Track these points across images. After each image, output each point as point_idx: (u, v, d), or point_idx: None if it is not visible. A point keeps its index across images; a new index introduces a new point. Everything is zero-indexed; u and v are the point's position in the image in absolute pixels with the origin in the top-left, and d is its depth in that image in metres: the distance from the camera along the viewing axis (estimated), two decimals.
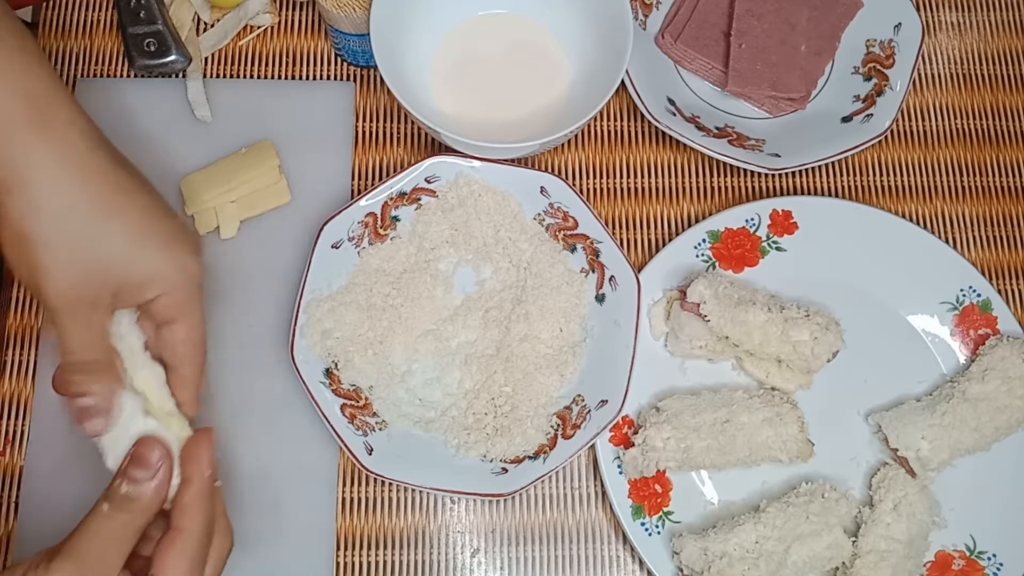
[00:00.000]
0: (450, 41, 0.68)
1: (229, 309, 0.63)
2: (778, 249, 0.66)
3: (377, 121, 0.69)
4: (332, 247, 0.61)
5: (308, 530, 0.59)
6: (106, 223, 0.45)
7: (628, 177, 0.70)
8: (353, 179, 0.67)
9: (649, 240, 0.68)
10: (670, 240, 0.65)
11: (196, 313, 0.49)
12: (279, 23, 0.71)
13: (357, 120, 0.69)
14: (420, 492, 0.61)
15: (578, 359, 0.62)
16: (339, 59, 0.71)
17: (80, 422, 0.45)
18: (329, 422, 0.57)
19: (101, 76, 0.69)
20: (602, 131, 0.71)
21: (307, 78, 0.70)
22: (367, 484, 0.61)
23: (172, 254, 0.48)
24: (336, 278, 0.62)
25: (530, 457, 0.59)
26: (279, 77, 0.70)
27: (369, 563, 0.60)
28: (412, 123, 0.69)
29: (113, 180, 0.46)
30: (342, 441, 0.57)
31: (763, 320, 0.59)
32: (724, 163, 0.67)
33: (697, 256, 0.65)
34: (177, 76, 0.68)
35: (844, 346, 0.60)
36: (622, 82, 0.65)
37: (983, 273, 0.65)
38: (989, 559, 0.61)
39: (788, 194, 0.69)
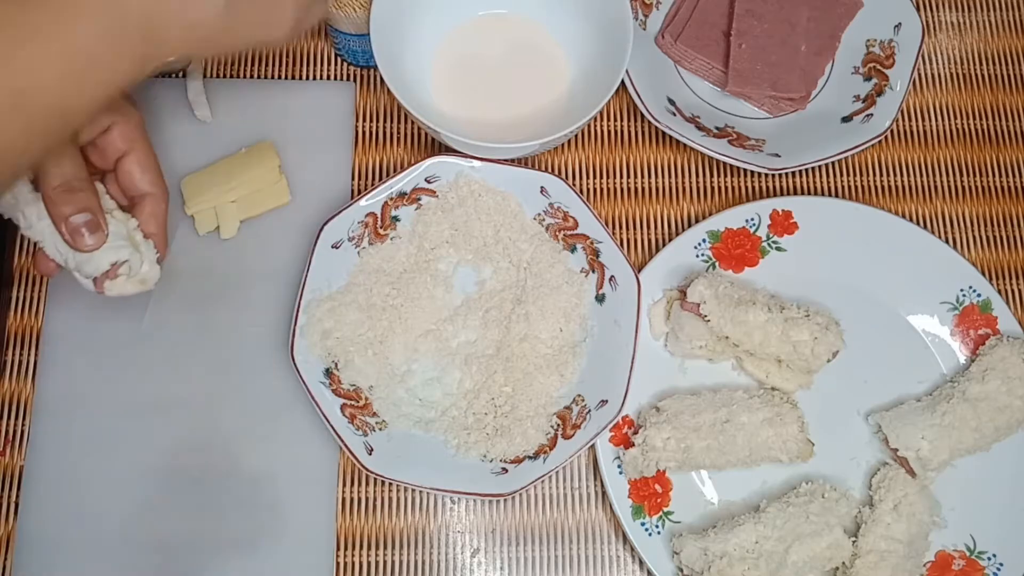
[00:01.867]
0: (450, 41, 0.68)
1: (229, 309, 0.63)
2: (778, 249, 0.66)
3: (377, 121, 0.69)
4: (332, 247, 0.61)
5: (308, 530, 0.59)
6: None
7: (628, 177, 0.70)
8: (353, 179, 0.67)
9: (649, 240, 0.68)
10: (670, 240, 0.65)
11: (148, 144, 0.55)
12: None
13: (357, 120, 0.69)
14: (420, 492, 0.61)
15: (578, 359, 0.62)
16: (339, 59, 0.71)
17: (78, 239, 0.51)
18: (329, 422, 0.57)
19: None
20: (602, 131, 0.71)
21: (307, 78, 0.70)
22: (367, 484, 0.61)
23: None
24: (336, 278, 0.62)
25: (530, 457, 0.59)
26: (279, 77, 0.70)
27: (369, 563, 0.60)
28: (412, 123, 0.69)
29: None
30: (342, 441, 0.57)
31: (763, 320, 0.59)
32: (724, 163, 0.67)
33: (697, 256, 0.65)
34: (177, 76, 0.68)
35: (844, 346, 0.60)
36: (622, 82, 0.65)
37: (983, 273, 0.65)
38: (989, 559, 0.61)
39: (788, 194, 0.69)
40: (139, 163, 0.54)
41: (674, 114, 0.67)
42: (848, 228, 0.66)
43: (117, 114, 0.53)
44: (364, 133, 0.69)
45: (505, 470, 0.59)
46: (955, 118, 0.73)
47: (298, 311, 0.59)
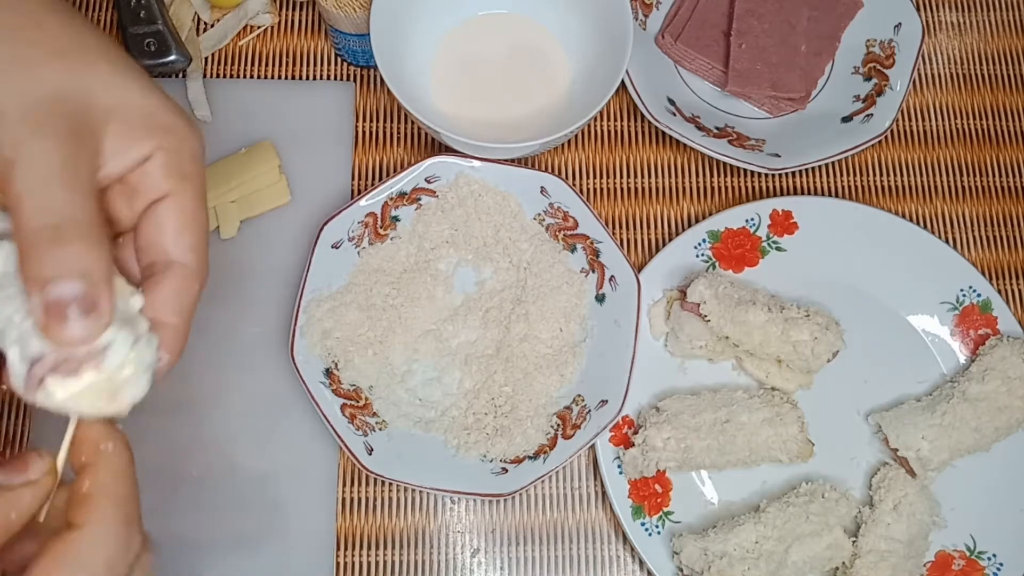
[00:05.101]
0: (450, 41, 0.68)
1: (229, 309, 0.63)
2: (778, 249, 0.66)
3: (377, 121, 0.69)
4: (332, 247, 0.61)
5: (308, 530, 0.59)
6: (83, 36, 0.33)
7: (628, 177, 0.70)
8: (353, 179, 0.67)
9: (649, 240, 0.68)
10: (670, 240, 0.65)
11: (201, 190, 0.34)
12: (279, 23, 0.71)
13: (357, 120, 0.69)
14: (420, 492, 0.61)
15: (578, 359, 0.62)
16: (339, 59, 0.71)
17: (57, 323, 0.29)
18: (329, 422, 0.57)
19: None
20: (602, 131, 0.71)
21: (307, 78, 0.70)
22: (367, 484, 0.61)
23: (171, 103, 0.34)
24: (336, 278, 0.62)
25: (530, 457, 0.59)
26: (279, 77, 0.70)
27: (369, 563, 0.60)
28: (412, 123, 0.69)
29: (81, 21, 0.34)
30: (342, 441, 0.57)
31: (763, 320, 0.59)
32: (724, 163, 0.67)
33: (697, 256, 0.65)
34: (177, 76, 0.68)
35: (844, 346, 0.60)
36: (622, 82, 0.65)
37: (983, 273, 0.65)
38: (989, 559, 0.61)
39: (788, 194, 0.69)
40: (180, 213, 0.34)
41: (674, 114, 0.67)
42: (848, 228, 0.66)
43: (167, 134, 0.34)
44: (364, 133, 0.69)
45: (505, 470, 0.59)
46: (955, 118, 0.73)
47: (298, 311, 0.59)
